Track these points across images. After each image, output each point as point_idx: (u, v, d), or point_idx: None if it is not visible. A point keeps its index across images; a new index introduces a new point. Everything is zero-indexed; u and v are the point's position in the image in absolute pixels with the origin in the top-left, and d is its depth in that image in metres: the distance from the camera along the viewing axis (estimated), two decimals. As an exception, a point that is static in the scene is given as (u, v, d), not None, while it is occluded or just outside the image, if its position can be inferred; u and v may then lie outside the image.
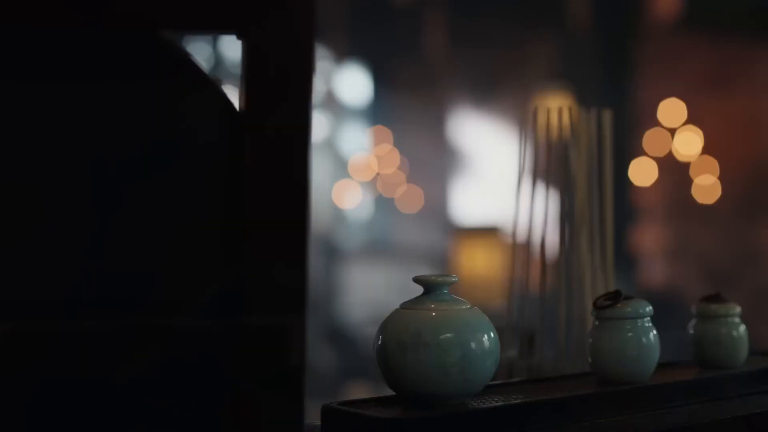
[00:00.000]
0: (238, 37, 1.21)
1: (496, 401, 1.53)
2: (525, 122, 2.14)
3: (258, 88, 1.17)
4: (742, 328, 1.96)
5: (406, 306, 1.52)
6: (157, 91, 1.19)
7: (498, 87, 10.86)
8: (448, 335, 1.47)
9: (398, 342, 1.47)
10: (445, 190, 11.05)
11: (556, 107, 2.17)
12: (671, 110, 8.90)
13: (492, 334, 1.50)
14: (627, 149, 7.60)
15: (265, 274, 1.15)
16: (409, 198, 10.60)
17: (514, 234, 2.21)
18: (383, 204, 10.91)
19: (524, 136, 2.11)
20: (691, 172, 8.87)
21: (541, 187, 2.17)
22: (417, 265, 9.26)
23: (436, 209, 10.46)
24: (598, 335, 1.68)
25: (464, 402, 1.50)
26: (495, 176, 10.78)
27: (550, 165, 2.17)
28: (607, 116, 2.15)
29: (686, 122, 9.44)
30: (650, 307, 1.72)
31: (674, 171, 8.90)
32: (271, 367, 1.17)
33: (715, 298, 1.97)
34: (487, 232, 6.48)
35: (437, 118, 10.91)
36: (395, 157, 10.67)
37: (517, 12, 7.60)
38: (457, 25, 9.13)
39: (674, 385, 1.71)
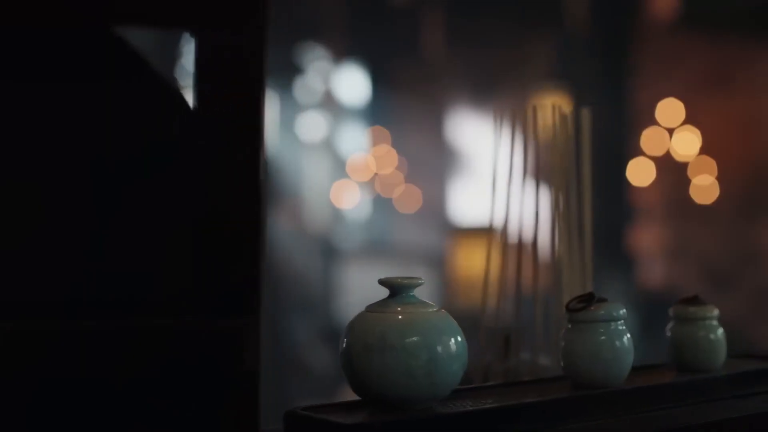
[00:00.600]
0: (192, 35, 1.18)
1: (464, 406, 1.49)
2: (499, 123, 2.11)
3: (211, 86, 1.14)
4: (720, 330, 1.92)
5: (371, 309, 1.49)
6: (114, 91, 1.16)
7: (496, 87, 10.82)
8: (414, 338, 1.43)
9: (363, 345, 1.44)
10: (443, 190, 11.00)
11: (535, 106, 2.14)
12: (670, 110, 8.86)
13: (459, 338, 1.47)
14: (625, 149, 7.56)
15: (216, 275, 1.12)
16: (408, 198, 10.56)
17: (491, 233, 2.18)
18: (381, 204, 10.89)
19: (501, 136, 2.08)
20: (690, 172, 8.83)
21: (524, 186, 2.14)
22: (415, 265, 9.23)
23: (435, 209, 10.41)
24: (571, 338, 1.64)
25: (431, 406, 1.47)
26: (493, 176, 10.71)
27: (530, 164, 2.14)
28: (585, 114, 2.11)
29: (685, 122, 9.39)
30: (624, 310, 1.68)
31: (673, 171, 8.86)
32: (224, 371, 1.14)
33: (693, 300, 1.93)
34: (486, 232, 6.45)
35: (436, 118, 10.87)
36: (393, 157, 10.64)
37: (516, 12, 7.56)
38: (455, 25, 9.10)
39: (649, 389, 1.67)
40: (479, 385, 1.67)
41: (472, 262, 7.40)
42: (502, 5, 7.67)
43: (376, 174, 11.47)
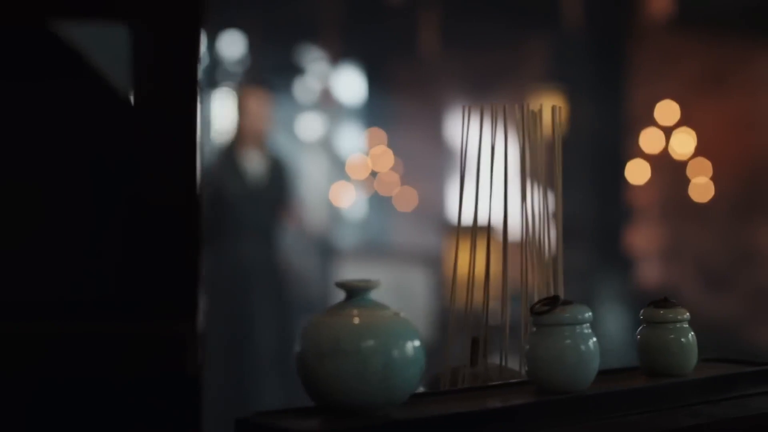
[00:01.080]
0: (125, 27, 1.14)
1: (421, 412, 1.45)
2: (464, 124, 2.07)
3: (147, 82, 1.10)
4: (691, 334, 1.86)
5: (327, 312, 1.45)
6: (49, 89, 1.12)
7: (493, 87, 10.78)
8: (369, 343, 1.39)
9: (317, 350, 1.40)
10: (440, 190, 10.97)
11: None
12: (666, 110, 8.81)
13: (416, 342, 1.43)
14: (622, 149, 7.52)
15: (151, 278, 1.08)
16: (405, 197, 10.54)
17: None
18: (379, 203, 10.87)
19: (464, 137, 2.03)
20: (688, 172, 8.78)
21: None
22: (412, 264, 9.19)
23: (432, 208, 10.38)
24: (535, 342, 1.59)
25: (387, 413, 1.42)
26: (489, 175, 10.68)
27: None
28: (557, 112, 2.06)
29: (682, 122, 9.35)
30: (590, 313, 1.62)
31: (670, 171, 8.81)
32: (162, 378, 1.10)
33: (663, 302, 1.88)
34: (483, 232, 6.41)
35: (432, 118, 10.84)
36: (390, 157, 10.60)
37: (513, 13, 7.52)
38: (452, 26, 9.05)
39: (616, 394, 1.62)
40: (440, 391, 1.63)
41: (466, 261, 7.37)
42: (499, 7, 7.62)
43: (373, 174, 11.43)
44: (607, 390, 1.63)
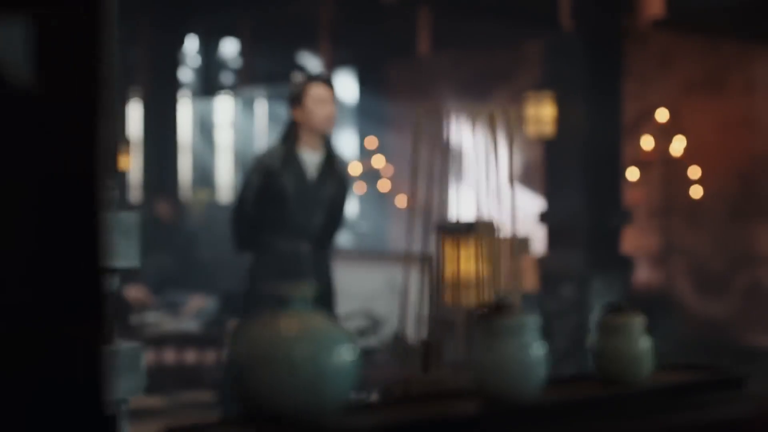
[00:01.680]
0: (28, 19, 1.07)
1: (353, 422, 1.39)
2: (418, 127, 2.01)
3: (48, 71, 1.04)
4: (647, 340, 1.78)
5: (259, 319, 1.39)
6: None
7: (489, 90, 10.72)
8: (299, 351, 1.33)
9: (247, 357, 1.34)
10: (435, 191, 10.88)
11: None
12: (661, 113, 8.75)
13: (350, 349, 1.36)
14: (617, 152, 7.46)
15: (50, 281, 1.02)
16: (399, 199, 10.49)
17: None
18: (374, 205, 10.81)
19: (417, 140, 1.98)
20: (684, 175, 8.72)
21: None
22: (408, 264, 9.10)
23: (427, 210, 10.30)
24: (479, 350, 1.52)
25: (319, 422, 1.36)
26: (483, 177, 10.64)
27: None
28: (499, 114, 2.00)
29: (676, 125, 9.28)
30: (537, 319, 1.55)
31: (665, 173, 8.75)
32: (62, 386, 1.03)
33: (618, 309, 1.80)
34: (478, 234, 6.35)
35: (428, 119, 10.77)
36: (385, 158, 10.57)
37: (510, 17, 7.45)
38: (448, 29, 9.00)
39: (564, 403, 1.55)
40: (380, 400, 1.57)
41: (464, 264, 7.30)
42: (495, 11, 7.55)
43: (368, 175, 11.38)
44: (558, 399, 1.56)
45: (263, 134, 13.83)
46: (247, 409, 1.36)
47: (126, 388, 2.71)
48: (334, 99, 4.71)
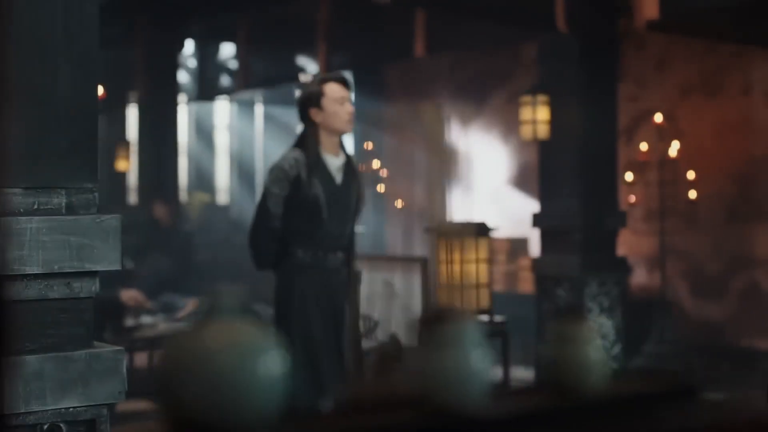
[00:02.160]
0: None
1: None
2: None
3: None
4: (600, 349, 1.70)
5: (188, 327, 1.35)
6: None
7: (487, 92, 10.68)
8: (224, 362, 1.29)
9: (171, 368, 1.30)
10: (431, 193, 10.89)
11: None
12: (656, 116, 8.71)
13: (278, 360, 1.32)
14: (616, 155, 7.41)
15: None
16: (397, 201, 10.47)
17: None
18: (372, 207, 10.76)
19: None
20: (681, 177, 8.67)
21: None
22: (402, 267, 9.07)
23: (422, 212, 10.31)
24: (421, 358, 1.47)
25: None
26: (482, 179, 10.62)
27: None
28: (433, 112, 1.93)
29: (676, 127, 9.23)
30: (480, 327, 1.49)
31: (665, 176, 8.70)
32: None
33: (570, 315, 1.74)
34: (474, 235, 6.30)
35: (423, 122, 10.75)
36: (383, 160, 10.54)
37: (507, 19, 7.41)
38: (445, 31, 8.96)
39: (508, 414, 1.50)
40: (318, 412, 1.53)
41: (459, 266, 7.22)
42: (493, 15, 7.50)
43: (365, 177, 11.37)
44: (502, 411, 1.51)
45: (260, 137, 13.82)
46: (172, 421, 1.32)
47: (105, 393, 2.68)
48: (350, 98, 4.44)
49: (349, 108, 4.36)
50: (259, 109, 13.73)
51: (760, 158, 8.83)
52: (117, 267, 2.77)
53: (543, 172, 7.45)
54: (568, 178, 7.21)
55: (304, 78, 4.67)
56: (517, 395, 1.64)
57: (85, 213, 2.71)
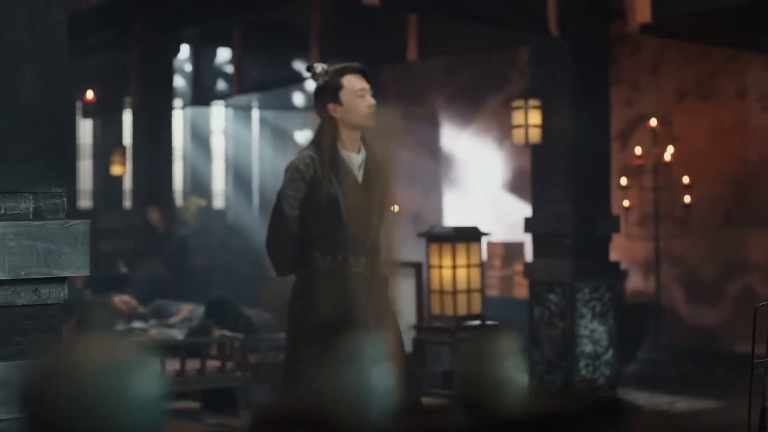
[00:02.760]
0: None
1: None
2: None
3: None
4: (520, 365, 1.59)
5: (63, 340, 1.29)
6: None
7: (482, 96, 10.65)
8: (89, 375, 1.22)
9: (38, 381, 1.23)
10: (425, 198, 10.85)
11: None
12: (656, 120, 8.67)
13: (152, 378, 1.25)
14: (608, 159, 7.36)
15: None
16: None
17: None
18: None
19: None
20: (677, 182, 8.63)
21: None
22: (397, 272, 9.02)
23: (417, 217, 10.26)
24: (316, 375, 1.35)
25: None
26: (477, 184, 10.58)
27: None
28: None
29: (671, 132, 9.20)
30: (382, 341, 1.35)
31: (660, 180, 8.66)
32: None
33: (486, 330, 1.59)
34: (469, 241, 6.26)
35: (417, 126, 10.72)
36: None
37: (501, 23, 7.36)
38: (440, 35, 8.93)
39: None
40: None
41: (453, 271, 7.18)
42: (487, 20, 7.46)
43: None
44: (403, 428, 1.39)
45: (256, 141, 13.79)
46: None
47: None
48: (370, 89, 4.05)
49: (370, 101, 4.01)
50: (255, 114, 13.70)
51: (754, 162, 8.80)
52: (86, 273, 2.74)
53: (535, 176, 7.40)
54: (560, 182, 7.16)
55: (320, 69, 3.91)
56: (429, 414, 1.54)
57: (53, 218, 2.68)
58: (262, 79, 10.89)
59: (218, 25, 9.89)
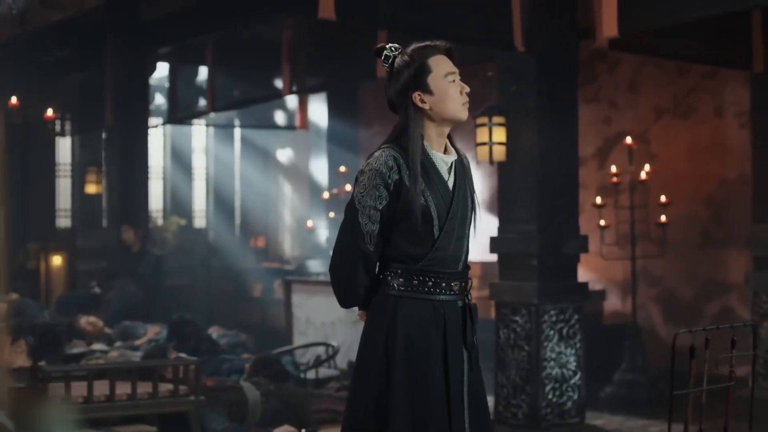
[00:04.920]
0: None
1: None
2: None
3: None
4: None
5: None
6: None
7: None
8: None
9: None
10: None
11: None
12: (629, 139, 8.43)
13: None
14: (576, 178, 7.13)
15: None
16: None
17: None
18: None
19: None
20: (654, 201, 8.38)
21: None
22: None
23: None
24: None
25: None
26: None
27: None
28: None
29: (648, 150, 8.97)
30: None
31: (636, 199, 8.42)
32: None
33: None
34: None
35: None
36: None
37: (465, 40, 7.15)
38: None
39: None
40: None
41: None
42: (450, 34, 7.25)
43: (337, 195, 11.15)
44: None
45: (237, 160, 13.61)
46: None
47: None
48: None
49: (464, 87, 3.18)
50: (237, 133, 13.52)
51: (732, 181, 8.55)
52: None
53: (501, 195, 7.17)
54: (525, 201, 6.92)
55: (392, 49, 3.10)
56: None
57: None
58: (238, 97, 10.71)
59: (192, 42, 9.73)
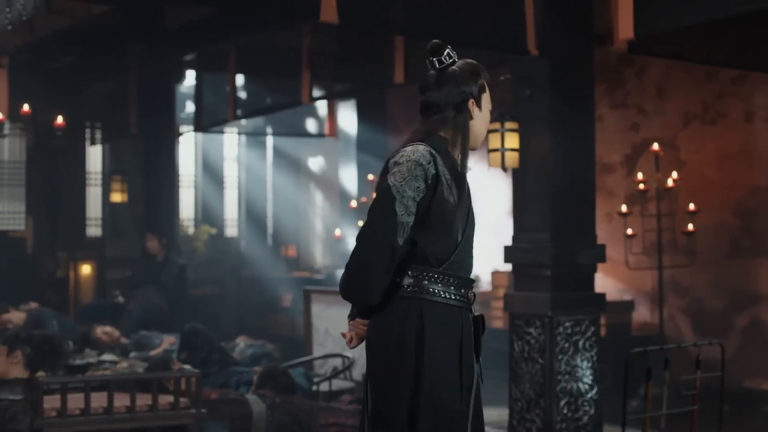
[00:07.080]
0: None
1: None
2: None
3: None
4: None
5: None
6: None
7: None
8: None
9: None
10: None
11: None
12: (656, 145, 8.12)
13: None
14: (593, 185, 6.85)
15: None
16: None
17: None
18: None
19: None
20: (682, 209, 8.05)
21: None
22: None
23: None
24: None
25: None
26: (480, 212, 10.10)
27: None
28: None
29: (676, 157, 8.65)
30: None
31: (664, 208, 8.11)
32: None
33: None
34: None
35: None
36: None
37: (481, 45, 6.91)
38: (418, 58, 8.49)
39: None
40: None
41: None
42: (460, 39, 7.02)
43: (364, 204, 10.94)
44: None
45: (269, 168, 13.44)
46: None
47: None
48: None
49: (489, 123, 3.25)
50: (269, 141, 13.36)
51: (762, 188, 8.19)
52: None
53: (514, 203, 6.89)
54: (538, 210, 6.63)
55: (451, 51, 3.08)
56: None
57: None
58: (260, 104, 10.54)
59: (217, 50, 9.61)
